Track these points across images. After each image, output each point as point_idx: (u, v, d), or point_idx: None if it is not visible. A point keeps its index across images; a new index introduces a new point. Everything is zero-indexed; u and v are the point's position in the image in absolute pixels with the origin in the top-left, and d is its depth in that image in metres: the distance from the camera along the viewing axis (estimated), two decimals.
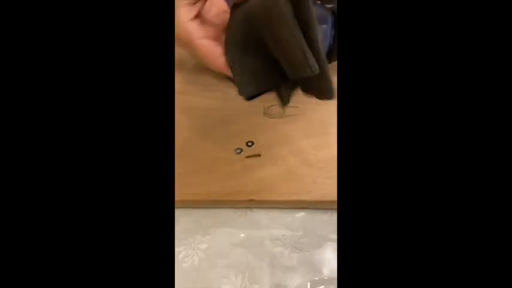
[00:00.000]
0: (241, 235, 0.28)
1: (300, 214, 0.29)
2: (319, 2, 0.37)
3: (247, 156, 0.31)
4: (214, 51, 0.30)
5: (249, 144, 0.32)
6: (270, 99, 0.38)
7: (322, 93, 0.29)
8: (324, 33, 0.35)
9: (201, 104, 0.37)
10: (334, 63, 0.39)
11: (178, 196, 0.28)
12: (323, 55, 0.27)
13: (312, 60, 0.25)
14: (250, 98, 0.38)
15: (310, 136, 0.33)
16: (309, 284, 0.26)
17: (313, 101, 0.37)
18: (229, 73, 0.32)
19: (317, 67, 0.26)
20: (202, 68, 0.41)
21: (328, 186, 0.28)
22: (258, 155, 0.31)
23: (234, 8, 0.30)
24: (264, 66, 0.32)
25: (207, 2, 0.30)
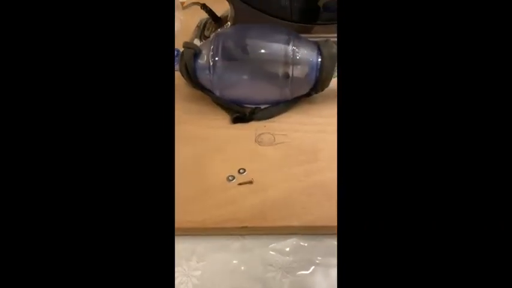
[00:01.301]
0: (234, 261, 0.29)
1: (291, 239, 0.30)
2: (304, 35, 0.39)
3: (240, 184, 0.32)
4: None
5: (241, 171, 0.34)
6: (261, 127, 0.39)
7: None
8: (310, 66, 0.38)
9: (195, 132, 0.39)
10: (325, 91, 0.41)
11: None
12: None
13: None
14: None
15: (299, 163, 0.34)
16: None
17: (302, 128, 0.39)
18: None
19: None
20: (197, 96, 0.43)
21: (317, 212, 0.30)
22: (250, 182, 0.32)
23: None
24: None
25: None
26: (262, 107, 0.41)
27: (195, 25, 0.57)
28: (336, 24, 0.48)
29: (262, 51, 0.38)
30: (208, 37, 0.51)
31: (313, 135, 0.38)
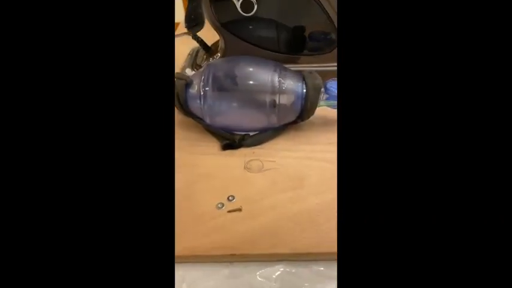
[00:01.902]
0: None
1: (279, 266, 0.31)
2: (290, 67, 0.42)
3: (229, 211, 0.33)
4: None
5: (230, 198, 0.35)
6: (249, 153, 0.41)
7: None
8: (295, 95, 0.40)
9: (186, 159, 0.40)
10: (311, 118, 0.43)
11: None
12: None
13: None
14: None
15: (286, 190, 0.36)
16: None
17: (290, 155, 0.40)
18: None
19: None
20: (188, 124, 0.44)
21: (304, 239, 0.31)
22: (239, 210, 0.33)
23: None
24: None
25: None
26: (251, 134, 0.42)
27: (187, 53, 0.59)
28: (322, 54, 0.51)
29: (251, 82, 0.40)
30: (200, 65, 0.53)
31: (300, 161, 0.39)
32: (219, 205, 0.34)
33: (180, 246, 0.30)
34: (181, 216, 0.33)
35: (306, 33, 0.51)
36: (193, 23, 0.47)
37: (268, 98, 0.39)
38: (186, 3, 0.48)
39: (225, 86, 0.40)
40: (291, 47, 0.51)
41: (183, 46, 0.59)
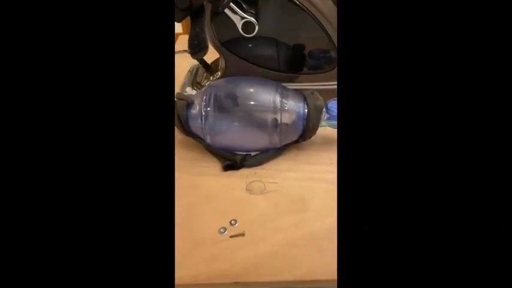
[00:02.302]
0: None
1: None
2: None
3: (232, 236, 0.33)
4: None
5: (233, 222, 0.34)
6: (251, 174, 0.40)
7: None
8: (297, 116, 0.40)
9: (187, 181, 0.39)
10: (312, 138, 0.43)
11: None
12: None
13: None
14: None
15: (289, 213, 0.35)
16: None
17: (291, 176, 0.40)
18: None
19: None
20: (189, 143, 0.44)
21: (308, 265, 0.30)
22: (242, 235, 0.33)
23: None
24: None
25: None
26: (253, 153, 0.42)
27: (187, 70, 0.59)
28: (322, 73, 0.51)
29: (252, 102, 0.40)
30: (200, 83, 0.53)
31: (301, 183, 0.39)
32: (221, 230, 0.33)
33: (181, 273, 0.30)
34: (181, 241, 0.32)
35: (306, 51, 0.51)
36: (197, 49, 0.47)
37: (270, 118, 0.39)
38: (187, 29, 0.48)
39: (227, 106, 0.40)
40: (290, 65, 0.51)
41: (183, 63, 0.59)
